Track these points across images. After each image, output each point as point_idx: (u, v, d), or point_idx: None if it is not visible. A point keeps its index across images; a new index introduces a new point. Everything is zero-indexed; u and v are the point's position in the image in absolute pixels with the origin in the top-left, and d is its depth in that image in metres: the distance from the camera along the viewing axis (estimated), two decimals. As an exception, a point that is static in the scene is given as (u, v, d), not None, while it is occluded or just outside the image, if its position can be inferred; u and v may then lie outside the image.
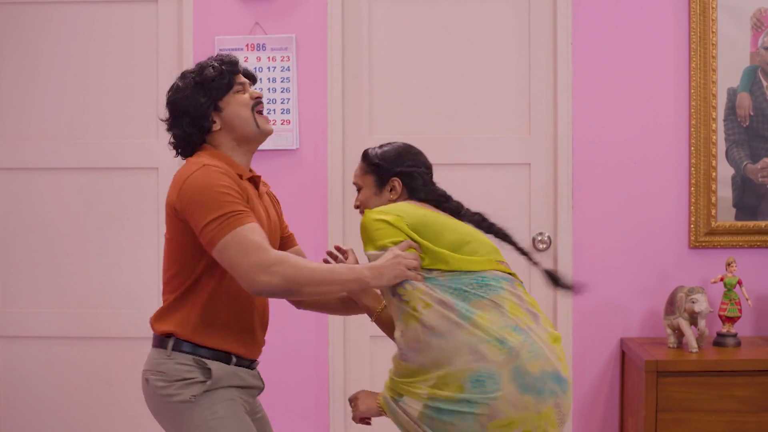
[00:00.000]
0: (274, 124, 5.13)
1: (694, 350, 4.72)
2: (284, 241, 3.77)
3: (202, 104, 3.43)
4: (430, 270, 3.28)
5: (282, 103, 5.14)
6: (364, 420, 3.50)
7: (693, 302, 4.73)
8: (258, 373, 3.60)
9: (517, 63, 5.20)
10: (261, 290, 3.17)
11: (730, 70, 5.06)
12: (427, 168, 3.65)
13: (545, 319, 3.31)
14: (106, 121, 5.29)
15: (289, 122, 5.13)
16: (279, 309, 5.19)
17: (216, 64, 3.46)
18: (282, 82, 5.13)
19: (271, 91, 5.15)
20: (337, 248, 3.72)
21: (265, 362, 5.20)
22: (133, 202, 5.29)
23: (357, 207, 3.62)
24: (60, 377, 5.37)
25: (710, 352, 4.76)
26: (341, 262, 3.64)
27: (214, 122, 3.45)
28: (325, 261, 3.68)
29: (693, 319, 4.78)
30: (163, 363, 3.39)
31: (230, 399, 3.38)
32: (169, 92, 3.51)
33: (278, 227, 3.68)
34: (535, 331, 3.21)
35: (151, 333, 5.32)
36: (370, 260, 3.30)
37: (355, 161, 5.13)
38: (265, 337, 3.60)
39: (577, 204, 5.10)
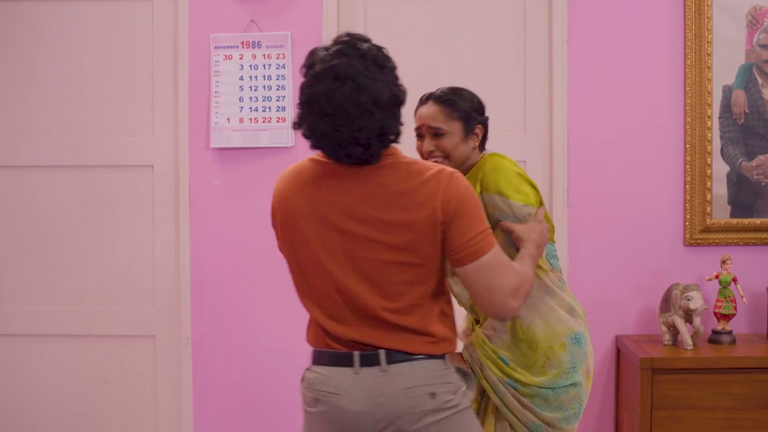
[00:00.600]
0: (269, 122, 5.14)
1: (689, 347, 4.72)
2: None
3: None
4: None
5: (277, 100, 5.13)
6: None
7: (688, 299, 4.73)
8: None
9: (513, 61, 5.20)
10: (507, 316, 3.03)
11: (725, 67, 5.07)
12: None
13: None
14: (101, 118, 5.29)
15: (285, 120, 5.13)
16: (272, 310, 5.19)
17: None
18: (277, 79, 5.13)
19: (266, 88, 5.14)
20: None
21: (259, 360, 5.21)
22: (128, 200, 5.29)
23: (431, 152, 3.54)
24: (54, 375, 5.37)
25: (705, 349, 4.77)
26: None
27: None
28: None
29: (688, 316, 4.78)
30: (448, 374, 3.10)
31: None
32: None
33: None
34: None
35: (145, 332, 5.34)
36: (517, 211, 3.41)
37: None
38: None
39: (572, 201, 5.10)
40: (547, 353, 3.45)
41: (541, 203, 3.51)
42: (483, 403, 3.57)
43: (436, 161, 3.45)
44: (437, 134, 3.54)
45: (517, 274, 3.02)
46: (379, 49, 3.17)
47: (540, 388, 3.45)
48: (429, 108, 3.58)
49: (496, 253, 2.97)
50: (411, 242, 2.95)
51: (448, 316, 3.11)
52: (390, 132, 3.01)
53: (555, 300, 3.49)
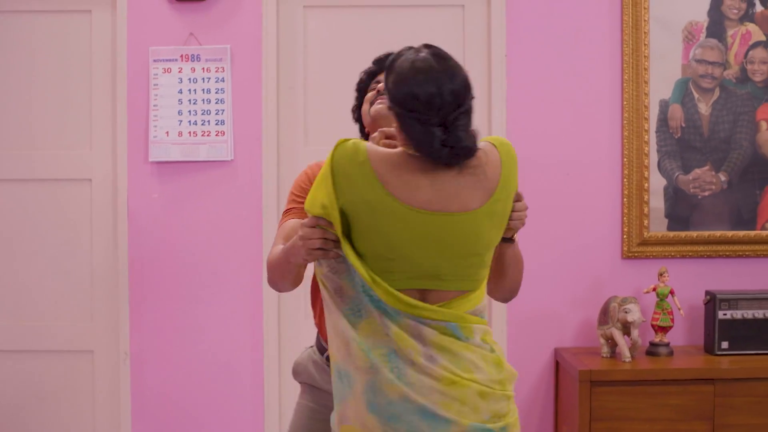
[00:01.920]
0: (208, 135, 5.11)
1: (627, 360, 4.75)
2: None
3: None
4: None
5: (216, 114, 5.11)
6: None
7: (626, 312, 4.76)
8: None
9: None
10: None
11: (662, 82, 5.11)
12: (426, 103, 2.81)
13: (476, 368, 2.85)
14: (38, 132, 5.24)
15: (224, 133, 5.11)
16: (212, 325, 5.17)
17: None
18: (216, 93, 5.11)
19: (205, 102, 5.12)
20: None
21: (199, 374, 5.17)
22: (65, 214, 5.24)
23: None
24: (-9, 391, 5.31)
25: (643, 361, 4.80)
26: None
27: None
28: None
29: (626, 328, 4.81)
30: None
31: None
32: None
33: None
34: (424, 367, 2.78)
35: (83, 347, 5.30)
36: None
37: (290, 173, 5.13)
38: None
39: (512, 215, 5.12)
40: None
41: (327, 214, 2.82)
42: None
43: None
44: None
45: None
46: None
47: None
48: None
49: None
50: None
51: None
52: None
53: (329, 320, 2.89)
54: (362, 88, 3.68)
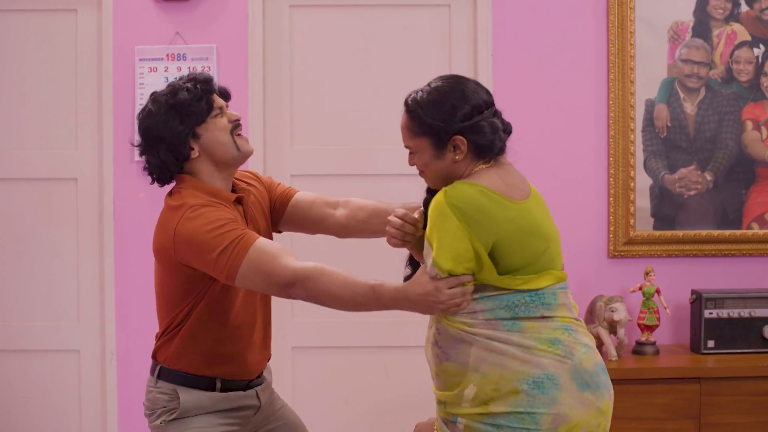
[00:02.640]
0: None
1: (614, 359, 4.76)
2: (285, 200, 3.60)
3: (179, 132, 3.26)
4: (477, 291, 2.96)
5: (203, 113, 5.10)
6: None
7: (612, 311, 4.77)
8: (259, 389, 3.49)
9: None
10: (297, 300, 3.22)
11: (647, 82, 5.12)
12: (489, 105, 3.08)
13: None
14: (23, 131, 5.22)
15: (210, 133, 5.09)
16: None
17: (190, 86, 3.27)
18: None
19: (191, 101, 5.11)
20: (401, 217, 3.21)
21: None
22: (51, 214, 5.23)
23: (416, 166, 3.11)
24: (-24, 391, 5.29)
25: (629, 360, 4.81)
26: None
27: (192, 149, 3.30)
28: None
29: (612, 328, 4.82)
30: (150, 392, 3.42)
31: (201, 423, 3.36)
32: (140, 115, 3.33)
33: (266, 222, 3.53)
34: (581, 328, 3.03)
35: (69, 346, 5.29)
36: (428, 259, 2.95)
37: (276, 172, 5.12)
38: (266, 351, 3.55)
39: (498, 214, 5.12)
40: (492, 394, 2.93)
41: (465, 273, 2.93)
42: None
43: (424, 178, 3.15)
44: (411, 152, 3.09)
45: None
46: None
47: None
48: (402, 119, 3.11)
49: (250, 257, 3.12)
50: None
51: None
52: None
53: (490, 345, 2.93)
54: (195, 111, 3.29)
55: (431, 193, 3.11)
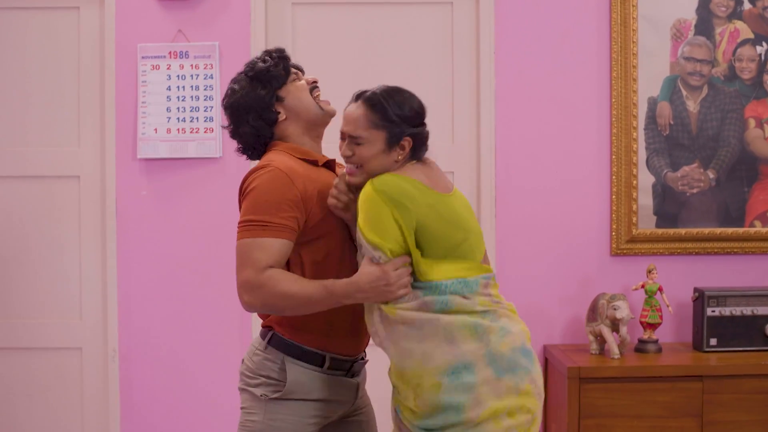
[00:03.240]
0: (196, 132, 5.11)
1: (616, 357, 4.76)
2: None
3: (263, 96, 3.41)
4: (415, 280, 3.16)
5: (205, 111, 5.11)
6: None
7: (614, 309, 4.77)
8: (360, 380, 3.50)
9: (441, 72, 5.22)
10: (244, 307, 3.24)
11: (650, 79, 5.12)
12: (424, 119, 3.35)
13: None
14: (26, 128, 5.22)
15: (213, 130, 5.10)
16: (200, 322, 5.16)
17: (266, 57, 3.45)
18: (205, 90, 5.11)
19: (193, 99, 5.12)
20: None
21: (187, 372, 5.17)
22: (53, 211, 5.23)
23: (348, 157, 3.26)
24: (-21, 389, 5.30)
25: (632, 358, 4.81)
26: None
27: (279, 112, 3.43)
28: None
29: (615, 325, 4.82)
30: (256, 354, 3.40)
31: (297, 415, 3.34)
32: (225, 99, 3.49)
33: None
34: (500, 309, 3.19)
35: (72, 344, 5.30)
36: (366, 250, 3.13)
37: (279, 169, 5.11)
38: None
39: (500, 212, 5.12)
40: (415, 391, 3.14)
41: (408, 252, 3.13)
42: None
43: (349, 170, 3.28)
44: (357, 142, 3.23)
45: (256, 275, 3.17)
46: None
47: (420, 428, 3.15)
48: (356, 109, 3.27)
49: (241, 245, 3.20)
50: None
51: None
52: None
53: (425, 332, 3.10)
54: (274, 76, 3.45)
55: None
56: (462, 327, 3.09)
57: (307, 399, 3.34)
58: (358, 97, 3.30)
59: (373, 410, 3.64)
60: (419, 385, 3.10)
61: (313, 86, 3.49)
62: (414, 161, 3.27)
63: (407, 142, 3.22)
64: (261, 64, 3.43)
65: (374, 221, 3.09)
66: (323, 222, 3.30)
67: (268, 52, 3.48)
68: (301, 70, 3.55)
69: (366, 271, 3.13)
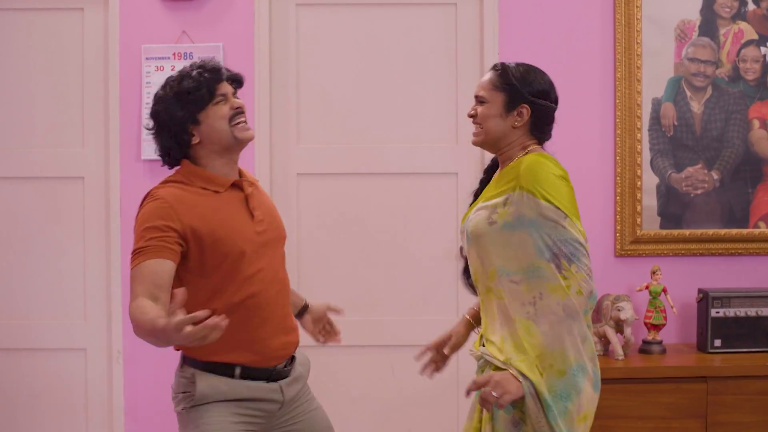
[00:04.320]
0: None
1: (620, 357, 4.76)
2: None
3: (180, 117, 3.40)
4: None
5: (209, 112, 5.10)
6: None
7: (618, 310, 4.77)
8: (284, 383, 3.53)
9: (445, 72, 5.22)
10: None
11: (654, 80, 5.12)
12: (556, 103, 3.46)
13: None
14: (30, 129, 5.23)
15: (217, 131, 5.10)
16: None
17: (195, 74, 3.40)
18: (209, 91, 5.10)
19: (198, 100, 5.11)
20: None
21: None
22: (58, 212, 5.23)
23: (472, 116, 3.40)
24: (-17, 390, 5.30)
25: (636, 359, 4.81)
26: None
27: (193, 135, 3.43)
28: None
29: (619, 326, 4.82)
30: (176, 377, 3.56)
31: (219, 415, 3.40)
32: (153, 100, 3.49)
33: (276, 217, 3.61)
34: None
35: (76, 345, 5.29)
36: (549, 216, 3.17)
37: (282, 171, 5.13)
38: (290, 338, 3.56)
39: (505, 213, 5.12)
40: (543, 367, 3.18)
41: (575, 214, 3.25)
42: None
43: (474, 131, 3.40)
44: (481, 101, 3.36)
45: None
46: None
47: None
48: (487, 74, 3.41)
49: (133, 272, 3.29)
50: None
51: None
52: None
53: (576, 326, 3.18)
54: (195, 99, 3.42)
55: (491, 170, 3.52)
56: (587, 334, 3.20)
57: (223, 400, 3.41)
58: (494, 65, 3.43)
59: (323, 413, 3.71)
60: (551, 365, 3.15)
61: (236, 112, 3.45)
62: (537, 145, 3.41)
63: (525, 110, 3.34)
64: (186, 83, 3.40)
65: (549, 184, 3.24)
66: (215, 252, 3.36)
67: (201, 67, 3.43)
68: (238, 82, 3.54)
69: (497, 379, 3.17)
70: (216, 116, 3.41)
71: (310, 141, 5.21)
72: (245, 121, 3.47)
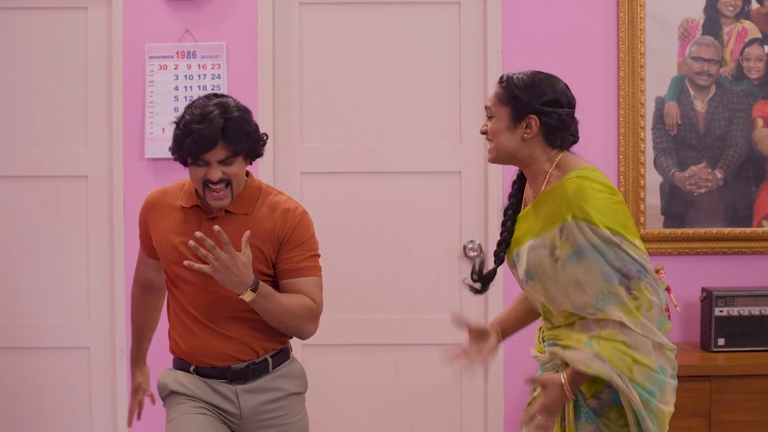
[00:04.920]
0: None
1: (624, 356, 4.75)
2: (279, 273, 3.61)
3: (176, 149, 3.49)
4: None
5: (212, 111, 5.10)
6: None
7: (622, 309, 4.76)
8: (242, 389, 3.56)
9: (448, 71, 5.22)
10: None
11: (658, 79, 5.11)
12: (571, 106, 3.30)
13: None
14: (33, 128, 5.23)
15: (220, 130, 5.10)
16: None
17: (195, 129, 3.38)
18: (212, 90, 5.10)
19: (201, 99, 5.12)
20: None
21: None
22: (61, 211, 5.23)
23: (483, 133, 3.31)
24: (-13, 388, 5.31)
25: (639, 358, 4.80)
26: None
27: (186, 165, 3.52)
28: None
29: (622, 325, 4.81)
30: None
31: (177, 403, 3.58)
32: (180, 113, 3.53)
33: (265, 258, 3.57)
34: None
35: (79, 344, 5.30)
36: (607, 241, 3.03)
37: (286, 170, 5.13)
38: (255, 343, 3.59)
39: (508, 212, 5.12)
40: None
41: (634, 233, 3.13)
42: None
43: (489, 148, 3.32)
44: (489, 116, 3.26)
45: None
46: None
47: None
48: (495, 88, 3.30)
49: None
50: None
51: None
52: None
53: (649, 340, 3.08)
54: (179, 154, 3.51)
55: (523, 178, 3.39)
56: (671, 356, 3.20)
57: (179, 392, 3.60)
58: (500, 78, 3.32)
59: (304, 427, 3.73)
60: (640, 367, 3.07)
61: (206, 183, 3.42)
62: (562, 150, 3.27)
63: (533, 121, 3.19)
64: (177, 134, 3.45)
65: (618, 217, 3.09)
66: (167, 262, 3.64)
67: (206, 122, 3.39)
68: (236, 143, 3.42)
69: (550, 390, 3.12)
70: (194, 175, 3.47)
71: (313, 140, 5.21)
72: (218, 192, 3.43)
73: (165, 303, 3.77)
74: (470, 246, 5.17)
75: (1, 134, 5.24)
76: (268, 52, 5.14)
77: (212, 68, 5.11)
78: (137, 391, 3.93)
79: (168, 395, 3.64)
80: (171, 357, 3.70)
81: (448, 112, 5.20)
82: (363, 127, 5.22)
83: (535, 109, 3.19)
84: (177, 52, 5.12)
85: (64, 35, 5.23)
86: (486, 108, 3.29)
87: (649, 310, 3.06)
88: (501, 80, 3.28)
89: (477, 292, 3.46)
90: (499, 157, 3.27)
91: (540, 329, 3.41)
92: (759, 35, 5.14)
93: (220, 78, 5.11)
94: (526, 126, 3.19)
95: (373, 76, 5.23)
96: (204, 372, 3.56)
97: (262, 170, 5.08)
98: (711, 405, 4.62)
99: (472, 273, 3.45)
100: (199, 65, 5.11)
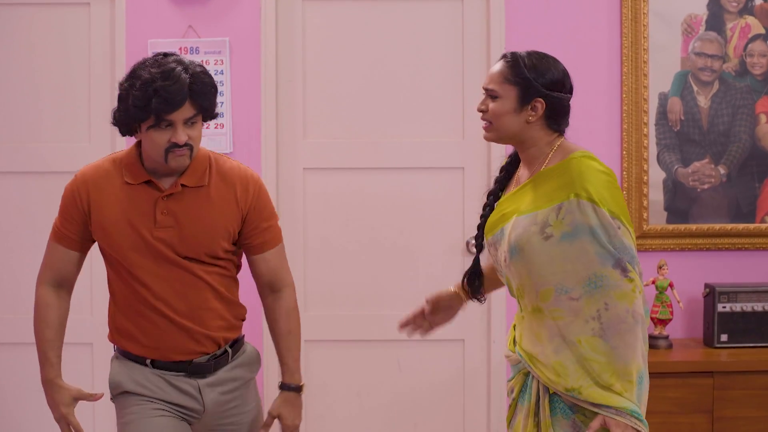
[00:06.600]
0: (207, 127, 5.11)
1: (627, 352, 4.75)
2: (246, 249, 3.52)
3: (127, 112, 3.22)
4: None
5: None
6: None
7: (625, 305, 4.76)
8: (204, 384, 3.46)
9: (451, 67, 5.22)
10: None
11: (661, 75, 5.11)
12: (571, 91, 3.31)
13: None
14: (37, 125, 5.24)
15: (223, 126, 5.11)
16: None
17: (160, 87, 3.15)
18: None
19: (204, 94, 5.12)
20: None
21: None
22: (64, 207, 5.24)
23: (481, 111, 3.20)
24: (-9, 384, 5.31)
25: (642, 354, 4.80)
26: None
27: (137, 131, 3.28)
28: None
29: (625, 321, 4.81)
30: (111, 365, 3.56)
31: (136, 404, 3.41)
32: (130, 69, 3.29)
33: (204, 232, 3.39)
34: None
35: (82, 339, 5.30)
36: (606, 224, 3.01)
37: (289, 165, 5.13)
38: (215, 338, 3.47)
39: (511, 208, 5.12)
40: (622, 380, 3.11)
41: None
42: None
43: (484, 125, 3.21)
44: (492, 95, 3.17)
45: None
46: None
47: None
48: (496, 65, 3.22)
49: None
50: None
51: None
52: None
53: (641, 333, 3.09)
54: (139, 115, 3.22)
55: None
56: (646, 336, 3.16)
57: (136, 393, 3.43)
58: (504, 55, 3.26)
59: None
60: (629, 381, 3.11)
61: (171, 146, 3.23)
62: (559, 138, 3.27)
63: (540, 104, 3.15)
64: (142, 93, 3.15)
65: (617, 200, 3.08)
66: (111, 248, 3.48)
67: (171, 79, 3.17)
68: (205, 104, 3.29)
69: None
70: (152, 140, 3.24)
71: (316, 136, 5.21)
72: (183, 154, 3.27)
73: (111, 293, 3.55)
74: (473, 242, 5.16)
75: (5, 130, 5.24)
76: (271, 47, 5.14)
77: (215, 64, 5.11)
78: (65, 419, 3.57)
79: (121, 394, 3.47)
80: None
81: (451, 108, 5.20)
82: (366, 123, 5.23)
83: (543, 92, 3.17)
84: (180, 48, 5.13)
85: (67, 31, 5.23)
86: (487, 88, 3.19)
87: (641, 294, 3.05)
88: (506, 57, 3.22)
89: (479, 300, 3.49)
90: (499, 137, 3.22)
91: (513, 326, 3.35)
92: (762, 31, 5.14)
93: (223, 74, 5.12)
94: (532, 108, 3.16)
95: (376, 72, 5.23)
96: (162, 365, 3.41)
97: (264, 166, 5.09)
98: (714, 401, 4.62)
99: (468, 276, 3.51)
100: (202, 61, 5.10)
